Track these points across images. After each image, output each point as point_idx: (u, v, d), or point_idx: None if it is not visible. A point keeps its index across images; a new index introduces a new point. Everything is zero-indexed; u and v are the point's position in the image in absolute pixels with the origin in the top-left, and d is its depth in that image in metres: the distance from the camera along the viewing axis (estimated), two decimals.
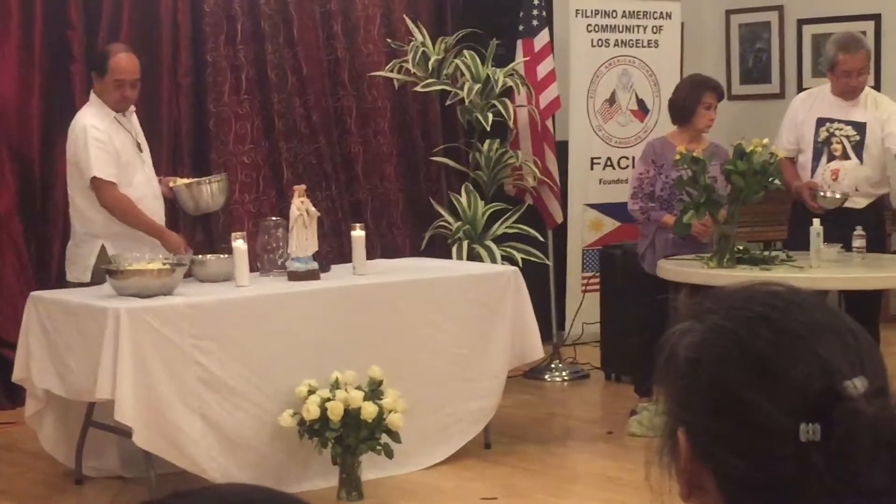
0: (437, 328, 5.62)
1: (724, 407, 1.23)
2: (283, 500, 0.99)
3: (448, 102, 7.40)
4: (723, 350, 1.24)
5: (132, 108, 5.80)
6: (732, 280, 5.00)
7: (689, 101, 6.22)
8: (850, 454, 1.17)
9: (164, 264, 5.26)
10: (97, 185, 5.53)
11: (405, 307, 5.55)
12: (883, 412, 1.18)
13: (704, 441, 1.25)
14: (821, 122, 6.28)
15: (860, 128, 6.22)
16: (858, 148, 6.23)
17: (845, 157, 6.25)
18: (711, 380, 1.24)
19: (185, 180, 5.93)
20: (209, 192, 5.84)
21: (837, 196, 6.12)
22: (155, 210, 5.74)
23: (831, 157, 6.28)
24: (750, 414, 1.21)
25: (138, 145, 5.73)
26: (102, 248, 5.56)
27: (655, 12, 7.99)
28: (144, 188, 5.70)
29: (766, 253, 6.14)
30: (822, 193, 6.15)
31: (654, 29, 8.01)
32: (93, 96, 5.69)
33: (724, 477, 1.24)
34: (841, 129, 6.23)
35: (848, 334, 1.24)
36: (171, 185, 5.86)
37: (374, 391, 5.12)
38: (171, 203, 5.99)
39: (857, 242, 5.97)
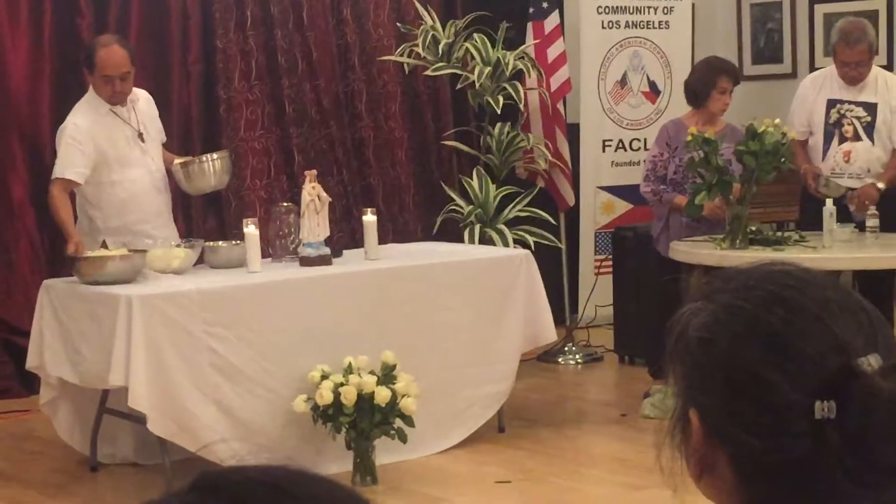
0: (450, 312, 5.62)
1: (739, 386, 1.22)
2: (312, 479, 1.00)
3: (458, 86, 7.38)
4: (737, 329, 1.23)
5: (140, 95, 5.76)
6: (745, 261, 4.97)
7: (704, 84, 6.21)
8: (866, 431, 1.16)
9: (128, 251, 5.28)
10: (52, 184, 5.48)
11: (417, 292, 5.55)
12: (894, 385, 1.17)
13: (718, 421, 1.24)
14: (831, 103, 6.25)
15: (871, 108, 6.19)
16: (869, 129, 6.20)
17: (857, 138, 6.22)
18: (725, 359, 1.23)
19: (181, 159, 5.84)
20: (211, 169, 5.77)
21: (841, 184, 6.11)
22: (152, 205, 5.64)
23: (843, 139, 6.25)
24: (765, 392, 1.20)
25: (140, 136, 5.67)
26: (104, 243, 5.54)
27: None
28: (143, 181, 5.61)
29: (779, 233, 6.12)
30: (825, 179, 6.12)
31: (665, 10, 7.98)
32: (90, 90, 5.64)
33: (738, 457, 1.23)
34: (851, 111, 6.20)
35: (861, 312, 1.23)
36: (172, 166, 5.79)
37: (387, 376, 5.13)
38: (178, 189, 5.95)
39: (871, 222, 5.95)
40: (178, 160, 5.81)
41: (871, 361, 1.18)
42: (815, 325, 1.21)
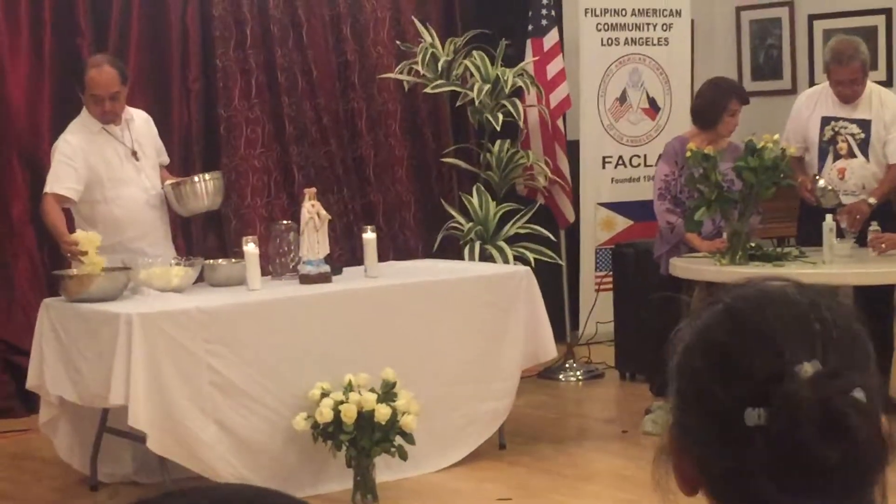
0: (450, 329, 5.61)
1: (689, 398, 1.25)
2: (282, 500, 0.98)
3: (458, 103, 7.39)
4: (688, 342, 1.27)
5: (137, 116, 5.76)
6: (743, 276, 4.97)
7: (715, 108, 6.21)
8: (791, 438, 1.16)
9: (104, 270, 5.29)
10: (42, 198, 5.50)
11: (418, 309, 5.54)
12: (828, 393, 1.16)
13: (679, 433, 1.26)
14: (825, 120, 6.25)
15: (865, 125, 6.19)
16: (864, 146, 6.20)
17: (851, 155, 6.23)
18: (678, 371, 1.27)
19: (173, 180, 5.82)
20: (203, 190, 5.75)
21: (839, 195, 6.12)
22: (147, 222, 5.64)
23: (837, 156, 6.25)
24: (706, 402, 1.22)
25: (134, 154, 5.66)
26: None
27: (665, 10, 7.97)
28: (138, 199, 5.61)
29: (779, 249, 6.12)
30: (820, 190, 6.13)
31: (664, 27, 7.99)
32: (84, 109, 5.65)
33: (700, 468, 1.25)
34: (846, 128, 6.21)
35: (816, 322, 1.22)
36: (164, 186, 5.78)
37: (387, 393, 5.12)
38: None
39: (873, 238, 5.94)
40: (169, 181, 5.80)
41: (807, 368, 1.18)
42: (757, 335, 1.22)
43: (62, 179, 5.46)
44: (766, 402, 1.17)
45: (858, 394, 1.17)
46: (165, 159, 5.94)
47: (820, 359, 1.19)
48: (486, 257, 7.00)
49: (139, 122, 5.76)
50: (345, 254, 7.27)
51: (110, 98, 5.52)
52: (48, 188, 5.49)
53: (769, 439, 1.17)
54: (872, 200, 6.09)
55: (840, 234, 5.97)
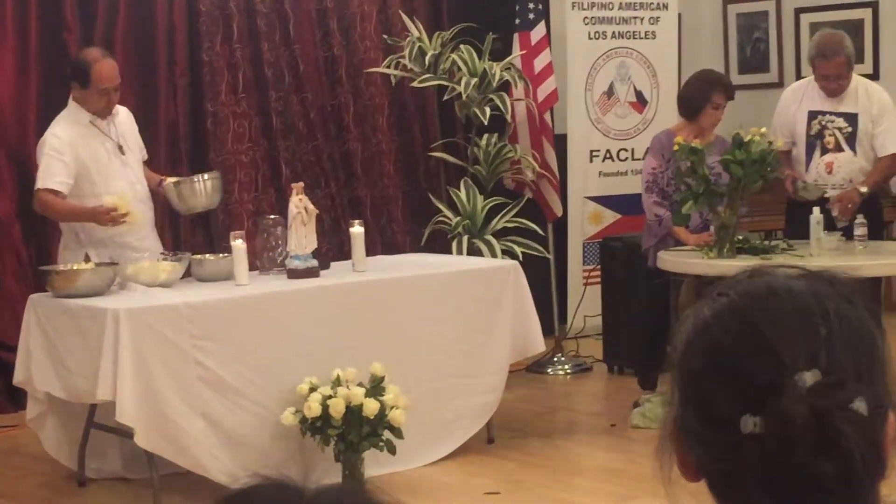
0: (438, 324, 5.61)
1: (687, 395, 1.23)
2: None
3: (445, 97, 7.39)
4: (690, 337, 1.24)
5: (120, 110, 5.74)
6: (731, 270, 4.97)
7: (698, 99, 6.23)
8: (784, 448, 1.14)
9: (96, 265, 5.28)
10: (36, 195, 5.50)
11: (405, 303, 5.54)
12: (825, 407, 1.14)
13: (680, 428, 1.25)
14: (812, 114, 6.26)
15: (852, 119, 6.20)
16: (851, 139, 6.21)
17: (839, 149, 6.24)
18: (679, 368, 1.24)
19: (173, 179, 5.84)
20: (202, 189, 5.76)
21: (819, 186, 6.14)
22: (135, 216, 5.59)
23: (825, 150, 6.26)
24: (704, 402, 1.20)
25: (120, 148, 5.66)
26: (86, 256, 5.52)
27: (652, 3, 7.97)
28: (125, 193, 5.61)
29: (767, 242, 6.13)
30: (801, 184, 6.17)
31: (651, 20, 7.99)
32: (71, 103, 5.62)
33: (699, 466, 1.24)
34: (833, 122, 6.22)
35: (822, 324, 1.19)
36: (164, 183, 5.79)
37: (375, 388, 5.12)
38: (167, 203, 5.95)
39: (859, 231, 5.95)
40: (170, 179, 5.82)
41: (807, 377, 1.15)
42: (758, 338, 1.19)
43: (53, 174, 5.45)
44: (762, 410, 1.15)
45: (859, 404, 1.14)
46: (145, 155, 5.93)
47: (821, 366, 1.16)
48: (473, 251, 7.00)
49: (122, 116, 5.75)
50: (332, 248, 7.25)
51: (114, 90, 5.55)
52: (40, 184, 5.47)
53: (763, 448, 1.15)
54: (864, 189, 6.11)
55: (831, 222, 5.98)
